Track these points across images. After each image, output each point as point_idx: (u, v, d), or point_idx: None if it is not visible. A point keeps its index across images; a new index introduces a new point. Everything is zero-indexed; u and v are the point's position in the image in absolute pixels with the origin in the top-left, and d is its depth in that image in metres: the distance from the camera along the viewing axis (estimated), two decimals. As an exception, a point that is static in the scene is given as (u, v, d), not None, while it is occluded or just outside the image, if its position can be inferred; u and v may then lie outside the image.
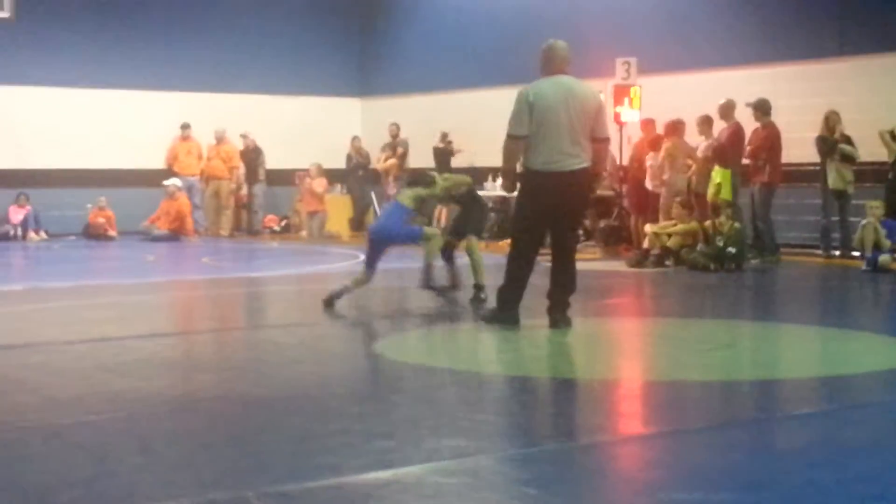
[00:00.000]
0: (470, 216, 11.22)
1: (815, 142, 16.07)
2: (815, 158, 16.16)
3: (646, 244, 15.50)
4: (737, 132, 15.78)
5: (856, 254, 15.05)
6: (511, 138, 8.89)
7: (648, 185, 16.55)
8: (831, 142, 15.79)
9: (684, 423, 5.94)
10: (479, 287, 10.72)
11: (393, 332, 9.37)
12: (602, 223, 18.01)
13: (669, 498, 4.34)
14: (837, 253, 16.04)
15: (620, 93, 17.75)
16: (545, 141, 8.73)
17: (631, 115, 17.70)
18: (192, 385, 6.91)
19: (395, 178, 22.71)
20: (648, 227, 15.54)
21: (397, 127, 23.00)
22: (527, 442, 5.39)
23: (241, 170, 22.88)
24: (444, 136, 21.78)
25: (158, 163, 22.34)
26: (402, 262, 12.36)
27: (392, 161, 22.80)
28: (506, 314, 9.02)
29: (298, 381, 6.93)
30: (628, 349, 8.67)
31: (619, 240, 17.57)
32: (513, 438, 5.44)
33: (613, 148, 14.69)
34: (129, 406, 6.11)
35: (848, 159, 15.76)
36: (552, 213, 8.89)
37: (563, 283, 8.99)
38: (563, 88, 8.79)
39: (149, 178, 21.98)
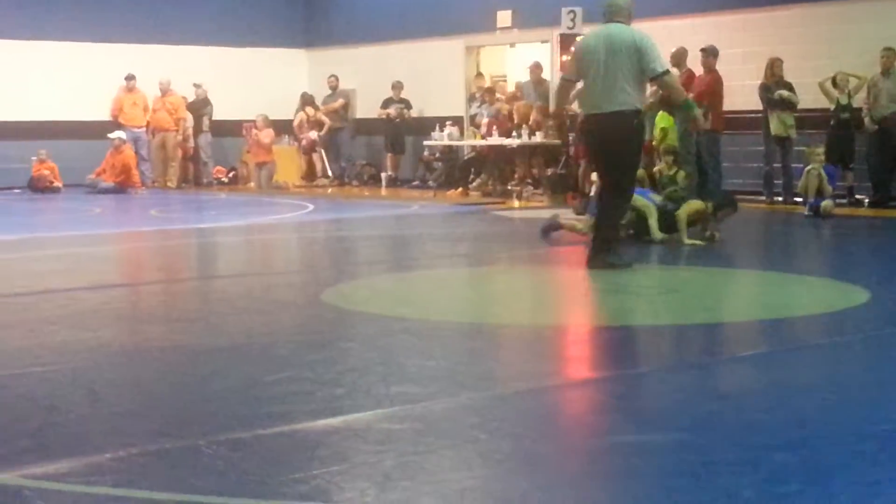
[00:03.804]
0: None
1: (758, 90, 16.18)
2: (758, 106, 16.29)
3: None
4: (690, 79, 15.84)
5: (798, 200, 15.19)
6: (562, 80, 10.17)
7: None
8: (772, 91, 15.90)
9: (633, 367, 6.01)
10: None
11: (340, 280, 9.36)
12: (549, 171, 18.06)
13: (620, 440, 4.39)
14: (780, 199, 16.21)
15: (567, 42, 17.70)
16: (585, 85, 9.55)
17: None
18: (139, 336, 6.89)
19: (337, 129, 22.65)
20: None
21: (336, 79, 22.93)
22: (476, 388, 5.41)
23: (189, 121, 22.67)
24: (394, 99, 21.63)
25: (103, 115, 22.07)
26: (355, 212, 12.32)
27: (326, 110, 22.65)
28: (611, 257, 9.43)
29: (246, 331, 6.91)
30: (576, 295, 8.72)
31: (565, 187, 17.61)
32: (462, 385, 5.46)
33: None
34: (76, 357, 6.08)
35: (789, 106, 15.86)
36: (596, 152, 9.76)
37: (599, 222, 9.51)
38: (604, 36, 9.41)
39: (94, 130, 21.73)
